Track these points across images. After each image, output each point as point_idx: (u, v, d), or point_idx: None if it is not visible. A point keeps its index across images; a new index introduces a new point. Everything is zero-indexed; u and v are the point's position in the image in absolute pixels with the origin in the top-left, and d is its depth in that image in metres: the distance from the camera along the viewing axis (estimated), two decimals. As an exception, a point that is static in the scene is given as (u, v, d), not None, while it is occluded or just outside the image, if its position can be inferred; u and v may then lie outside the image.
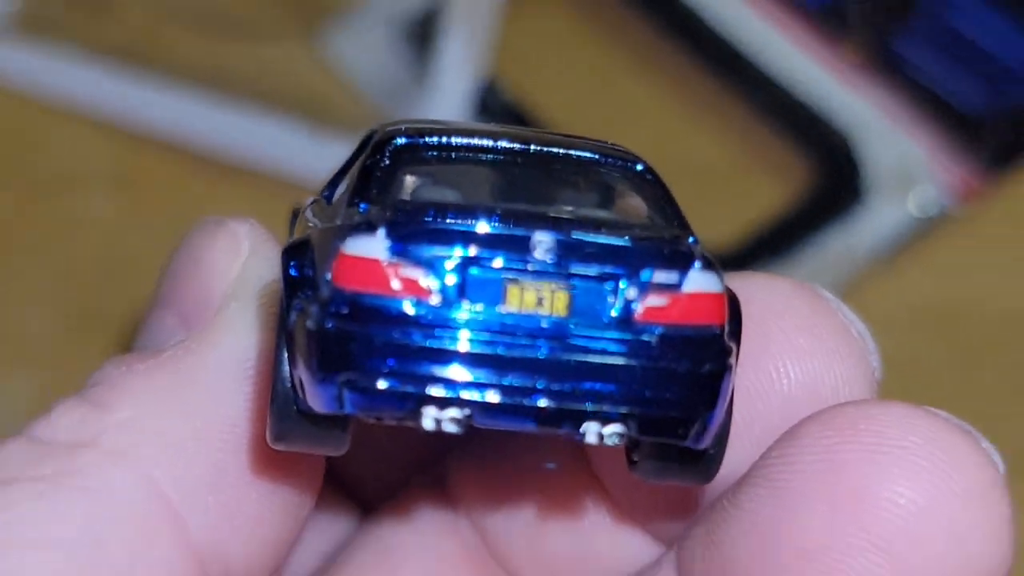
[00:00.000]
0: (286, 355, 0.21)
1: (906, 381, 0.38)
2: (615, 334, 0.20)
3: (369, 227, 0.19)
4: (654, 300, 0.20)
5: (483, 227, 0.20)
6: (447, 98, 0.44)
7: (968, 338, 0.45)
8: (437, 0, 0.46)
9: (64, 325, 0.44)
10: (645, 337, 0.20)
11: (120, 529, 0.21)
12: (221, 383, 0.23)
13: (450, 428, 0.19)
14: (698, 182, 0.45)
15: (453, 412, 0.19)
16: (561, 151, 0.22)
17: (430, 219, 0.20)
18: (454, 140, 0.22)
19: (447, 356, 0.19)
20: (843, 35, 0.49)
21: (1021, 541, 0.29)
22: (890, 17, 0.49)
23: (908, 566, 0.20)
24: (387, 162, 0.21)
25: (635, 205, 0.22)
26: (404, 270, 0.19)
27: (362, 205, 0.21)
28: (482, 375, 0.19)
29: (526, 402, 0.19)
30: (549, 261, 0.19)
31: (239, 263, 0.24)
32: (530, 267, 0.19)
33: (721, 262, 0.40)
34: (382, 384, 0.19)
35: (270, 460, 0.23)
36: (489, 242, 0.19)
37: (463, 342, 0.19)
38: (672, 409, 0.20)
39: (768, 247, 0.44)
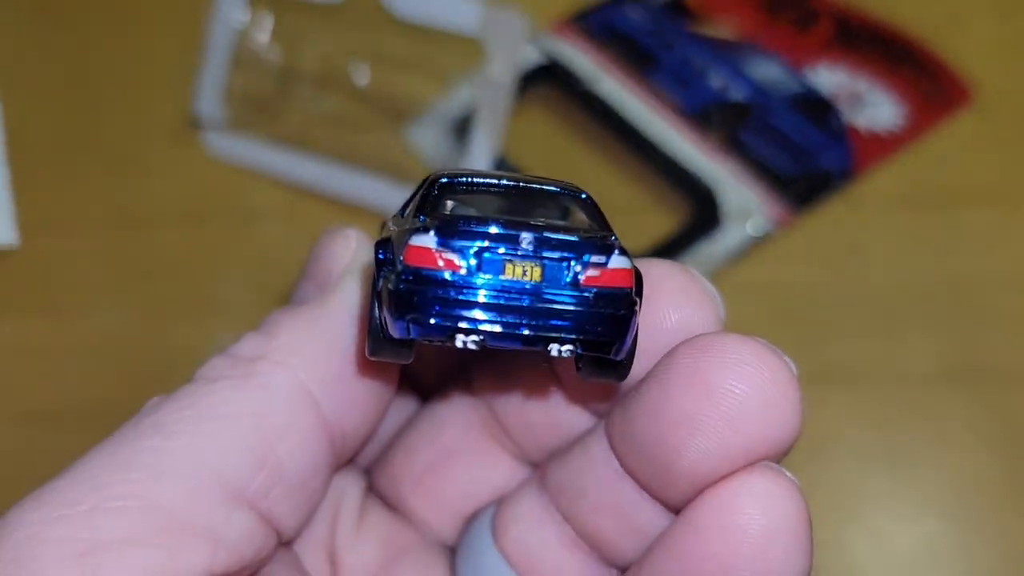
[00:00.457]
0: (377, 304, 0.26)
1: (742, 329, 0.57)
2: (569, 292, 0.25)
3: (425, 229, 0.25)
4: (592, 272, 0.25)
5: (492, 229, 0.25)
6: (476, 165, 0.53)
7: (777, 304, 0.53)
8: (471, 109, 0.56)
9: (254, 298, 0.53)
10: (586, 294, 0.25)
11: (281, 408, 0.27)
12: (341, 321, 0.28)
13: (472, 347, 0.25)
14: (620, 212, 0.49)
15: (474, 337, 0.25)
16: (537, 186, 0.28)
17: (460, 224, 0.25)
18: (475, 179, 0.27)
19: (470, 305, 0.25)
20: (709, 128, 0.58)
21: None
22: (737, 119, 0.58)
23: (739, 430, 0.25)
24: (436, 192, 0.27)
25: (581, 218, 0.28)
26: (445, 254, 0.25)
27: (421, 217, 0.26)
28: (490, 315, 0.25)
29: (516, 331, 0.25)
30: (530, 249, 0.25)
31: (350, 252, 0.30)
32: (519, 253, 0.25)
33: (630, 253, 0.50)
34: (432, 321, 0.25)
35: (369, 366, 0.28)
36: (495, 238, 0.25)
37: (479, 296, 0.25)
38: (603, 336, 0.25)
39: (665, 253, 0.53)
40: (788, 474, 0.25)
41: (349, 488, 0.32)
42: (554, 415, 0.30)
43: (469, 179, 0.27)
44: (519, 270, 0.25)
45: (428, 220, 0.26)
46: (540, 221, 0.26)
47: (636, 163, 0.57)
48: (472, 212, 0.27)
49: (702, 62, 0.61)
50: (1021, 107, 0.59)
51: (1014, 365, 0.51)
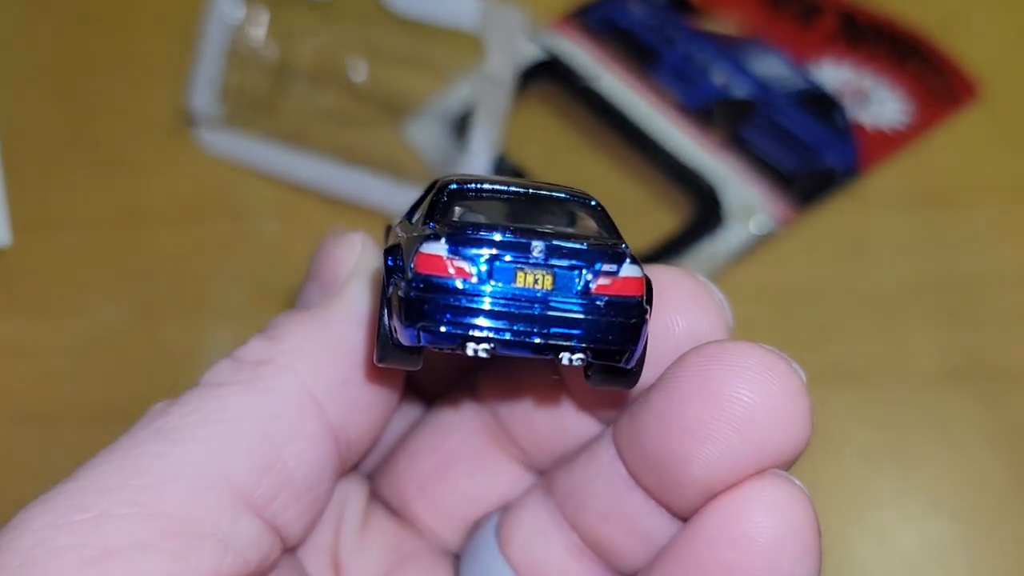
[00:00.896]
0: (386, 311, 0.26)
1: (746, 328, 0.57)
2: (579, 300, 0.25)
3: (436, 237, 0.25)
4: (602, 281, 0.25)
5: (502, 237, 0.25)
6: (476, 164, 0.52)
7: (781, 304, 0.52)
8: (470, 105, 0.55)
9: (249, 295, 0.52)
10: (597, 302, 0.25)
11: (287, 413, 0.27)
12: (346, 325, 0.29)
13: (482, 355, 0.25)
14: (622, 212, 0.48)
15: (484, 345, 0.25)
16: (545, 192, 0.28)
17: (471, 232, 0.25)
18: (484, 186, 0.27)
19: (481, 313, 0.25)
20: (711, 124, 0.57)
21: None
22: (739, 115, 0.58)
23: (748, 438, 0.25)
24: (445, 198, 0.27)
25: (590, 225, 0.28)
26: (456, 262, 0.25)
27: (431, 224, 0.26)
28: (501, 323, 0.25)
29: (526, 340, 0.25)
30: (541, 258, 0.25)
31: (356, 256, 0.30)
32: (530, 261, 0.25)
33: (639, 259, 0.53)
34: (443, 328, 0.25)
35: (375, 372, 0.29)
36: (505, 246, 0.25)
37: (490, 304, 0.25)
38: (614, 344, 0.25)
39: (667, 252, 0.52)
40: (797, 482, 0.25)
41: (353, 494, 0.32)
42: (560, 422, 0.30)
43: (478, 185, 0.27)
44: (530, 278, 0.25)
45: (439, 227, 0.26)
46: (551, 229, 0.26)
47: (637, 161, 0.57)
48: (481, 218, 0.27)
49: (704, 58, 0.61)
50: None
51: (1020, 364, 0.51)
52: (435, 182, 0.28)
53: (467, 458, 0.31)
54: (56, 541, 0.24)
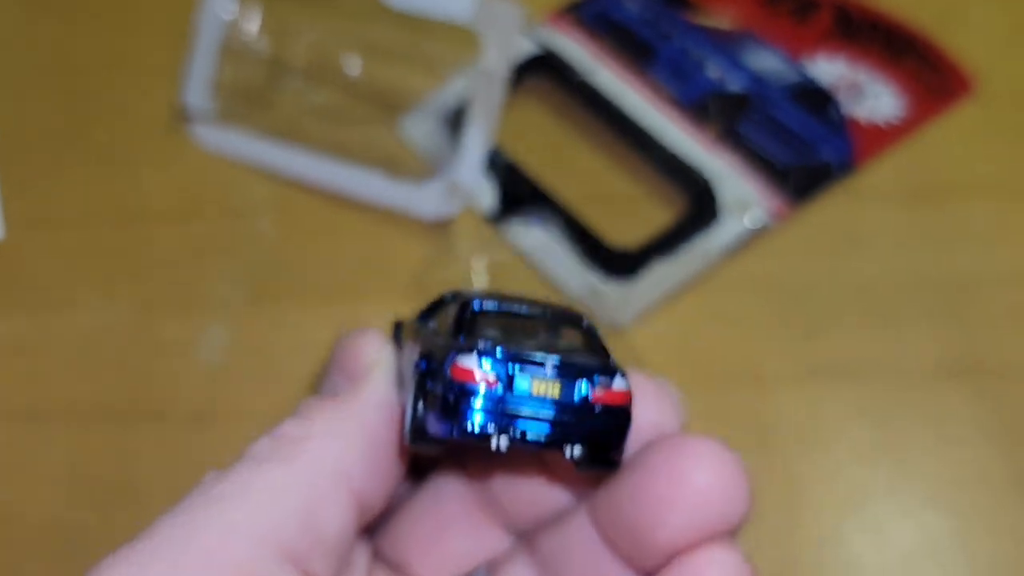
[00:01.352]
0: (418, 405, 0.31)
1: (741, 323, 0.52)
2: (581, 406, 0.31)
3: (469, 351, 0.30)
4: (599, 391, 0.31)
5: (522, 354, 0.30)
6: (470, 159, 0.53)
7: (775, 298, 0.53)
8: (465, 101, 0.55)
9: (244, 293, 0.53)
10: (595, 409, 0.31)
11: (323, 483, 0.31)
12: (371, 410, 0.33)
13: (503, 448, 0.30)
14: (615, 206, 0.55)
15: (504, 440, 0.30)
16: (551, 313, 0.33)
17: (498, 349, 0.30)
18: (502, 306, 0.33)
19: (503, 414, 0.30)
20: (706, 119, 0.58)
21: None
22: (734, 110, 0.58)
23: (703, 511, 0.31)
24: (469, 315, 0.32)
25: (586, 340, 0.33)
26: (485, 373, 0.30)
27: (461, 337, 0.31)
28: (518, 423, 0.30)
29: (539, 437, 0.30)
30: (552, 372, 0.30)
31: (375, 351, 0.35)
32: (543, 374, 0.30)
33: (631, 258, 0.51)
34: (471, 426, 0.30)
35: (390, 449, 0.33)
36: (524, 361, 0.30)
37: (511, 407, 0.30)
38: (606, 442, 0.31)
39: (661, 248, 0.53)
40: (739, 548, 0.32)
41: (360, 552, 0.36)
42: (542, 493, 0.35)
43: (497, 304, 0.33)
44: (543, 387, 0.31)
45: (468, 341, 0.31)
46: (559, 346, 0.32)
47: (632, 155, 0.57)
48: (500, 333, 0.32)
49: (700, 53, 0.61)
50: (1023, 98, 0.59)
51: (1015, 360, 0.51)
52: (453, 295, 0.34)
53: (459, 522, 0.36)
54: None
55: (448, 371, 0.30)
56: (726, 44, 0.62)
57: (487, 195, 0.55)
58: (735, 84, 0.60)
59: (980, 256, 0.55)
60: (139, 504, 0.47)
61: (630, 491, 0.32)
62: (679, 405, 0.34)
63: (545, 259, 0.53)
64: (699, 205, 0.55)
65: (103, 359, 0.50)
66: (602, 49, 0.61)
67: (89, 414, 0.50)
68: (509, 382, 0.30)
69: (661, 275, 0.52)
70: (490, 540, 0.36)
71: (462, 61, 0.56)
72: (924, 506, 0.48)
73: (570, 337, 0.33)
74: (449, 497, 0.36)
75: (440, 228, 0.54)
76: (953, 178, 0.57)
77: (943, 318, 0.53)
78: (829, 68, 0.61)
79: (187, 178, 0.55)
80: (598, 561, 0.33)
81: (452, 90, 0.57)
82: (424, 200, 0.53)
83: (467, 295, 0.33)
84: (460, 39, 0.54)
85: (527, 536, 0.35)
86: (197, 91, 0.55)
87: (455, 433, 0.30)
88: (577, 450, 0.31)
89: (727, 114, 0.59)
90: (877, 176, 0.57)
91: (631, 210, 0.55)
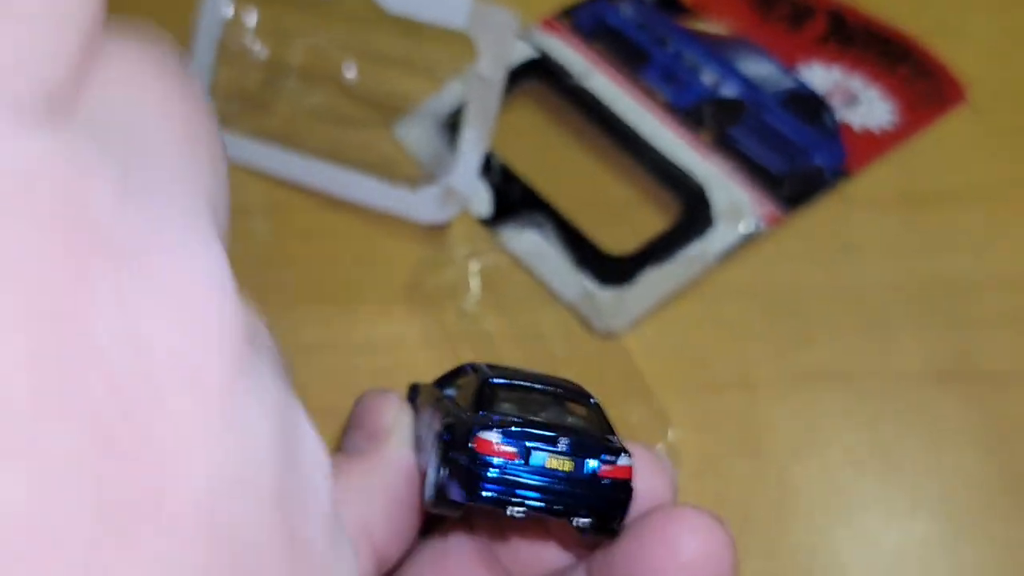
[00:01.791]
0: (441, 471, 0.33)
1: (734, 327, 0.53)
2: (589, 480, 0.33)
3: (491, 427, 0.32)
4: (605, 468, 0.33)
5: (538, 432, 0.33)
6: (466, 164, 0.54)
7: (768, 303, 0.53)
8: (461, 105, 0.56)
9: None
10: (602, 483, 0.33)
11: (350, 537, 0.36)
12: (391, 470, 0.36)
13: (518, 516, 0.32)
14: (609, 210, 0.56)
15: (520, 509, 0.32)
16: (562, 390, 0.35)
17: (517, 427, 0.32)
18: (516, 382, 0.35)
19: (520, 486, 0.32)
20: (700, 126, 0.58)
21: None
22: (728, 116, 0.59)
23: (692, 572, 0.33)
24: (488, 391, 0.34)
25: (592, 415, 0.35)
26: (504, 447, 0.32)
27: (481, 412, 0.33)
28: (533, 494, 0.32)
29: (551, 507, 0.32)
30: (565, 449, 0.33)
31: (394, 412, 0.37)
32: (557, 449, 0.33)
33: (625, 263, 0.52)
34: (491, 494, 0.32)
35: (407, 507, 0.36)
36: (540, 439, 0.32)
37: (527, 480, 0.32)
38: (611, 514, 0.33)
39: (655, 254, 0.54)
40: None
41: None
42: (541, 553, 0.37)
43: (511, 380, 0.35)
44: (556, 462, 0.33)
45: (487, 417, 0.33)
46: (569, 421, 0.34)
47: (627, 160, 0.57)
48: (516, 408, 0.34)
49: (694, 58, 0.61)
50: (1015, 106, 0.60)
51: (1006, 365, 0.52)
52: (469, 367, 0.37)
53: (461, 575, 0.38)
54: None
55: (471, 444, 0.32)
56: (720, 50, 0.62)
57: (482, 199, 0.55)
58: (729, 90, 0.60)
59: (971, 262, 0.55)
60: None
61: (627, 556, 0.34)
62: (673, 475, 0.36)
63: (539, 264, 0.54)
64: (693, 211, 0.55)
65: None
66: (597, 54, 0.61)
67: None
68: (526, 456, 0.32)
69: (655, 281, 0.53)
70: None
71: (458, 66, 0.57)
72: (914, 511, 0.49)
73: (577, 411, 0.35)
74: (454, 552, 0.38)
75: (436, 231, 0.54)
76: (945, 185, 0.58)
77: (934, 323, 0.54)
78: (823, 75, 0.61)
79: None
80: None
81: (448, 94, 0.58)
82: (420, 205, 0.54)
83: (485, 371, 0.35)
84: (456, 44, 0.54)
85: None
86: (194, 93, 0.54)
87: (475, 500, 0.32)
88: (584, 520, 0.33)
89: (721, 120, 0.59)
90: (870, 183, 0.58)
91: (625, 215, 0.56)
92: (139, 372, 0.18)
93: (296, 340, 0.52)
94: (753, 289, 0.53)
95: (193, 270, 0.20)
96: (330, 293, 0.53)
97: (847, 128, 0.59)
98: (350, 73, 0.59)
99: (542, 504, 0.33)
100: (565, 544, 0.37)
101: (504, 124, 0.55)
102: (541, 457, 0.33)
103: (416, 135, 0.57)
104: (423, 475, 0.35)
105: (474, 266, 0.53)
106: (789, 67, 0.61)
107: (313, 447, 0.24)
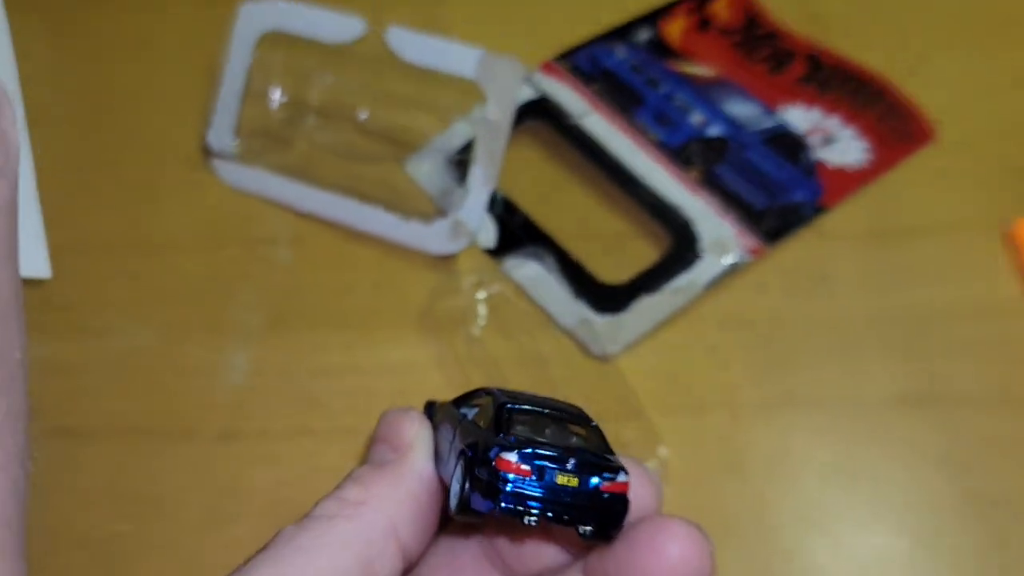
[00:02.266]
0: (465, 483, 0.35)
1: (717, 354, 0.54)
2: (593, 494, 0.35)
3: (510, 448, 0.35)
4: (606, 484, 0.35)
5: (550, 453, 0.35)
6: (474, 201, 0.55)
7: (749, 332, 0.55)
8: (468, 143, 0.58)
9: (264, 319, 0.55)
10: (604, 496, 0.35)
11: (379, 538, 0.37)
12: (416, 478, 0.38)
13: (532, 524, 0.35)
14: (604, 242, 0.57)
15: (534, 518, 0.34)
16: (566, 414, 0.37)
17: (533, 448, 0.35)
18: (528, 407, 0.37)
19: (534, 499, 0.34)
20: (689, 164, 0.61)
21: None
22: (714, 155, 0.61)
23: (676, 574, 0.35)
24: (506, 415, 0.36)
25: (593, 436, 0.37)
26: (522, 465, 0.34)
27: (500, 434, 0.35)
28: (545, 506, 0.34)
29: (561, 517, 0.35)
30: (572, 467, 0.35)
31: (416, 427, 0.39)
32: (566, 468, 0.35)
33: (619, 292, 0.54)
34: (509, 506, 0.34)
35: (428, 510, 0.38)
36: (551, 459, 0.35)
37: (540, 494, 0.35)
38: (610, 522, 0.35)
39: (646, 283, 0.55)
40: None
41: None
42: (541, 551, 0.40)
43: (523, 405, 0.37)
44: (565, 479, 0.35)
45: (506, 439, 0.35)
46: (575, 444, 0.37)
47: (620, 195, 0.59)
48: (529, 430, 0.37)
49: (683, 100, 0.64)
50: (980, 145, 0.62)
51: (966, 390, 0.54)
52: (483, 392, 0.39)
53: (470, 571, 0.41)
54: None
55: (493, 463, 0.35)
56: (707, 91, 0.65)
57: (488, 231, 0.57)
58: (715, 129, 0.63)
59: (938, 292, 0.58)
60: (171, 517, 0.49)
61: (619, 558, 0.36)
62: (659, 488, 0.39)
63: (541, 292, 0.55)
64: (682, 244, 0.57)
65: (137, 381, 0.53)
66: (593, 95, 0.64)
67: (124, 432, 0.52)
68: (540, 473, 0.35)
69: (647, 309, 0.54)
70: None
71: (466, 109, 0.59)
72: (879, 524, 0.50)
73: (579, 432, 0.37)
74: (463, 551, 0.41)
75: (446, 262, 0.56)
76: (914, 220, 0.60)
77: (903, 351, 0.56)
78: (802, 115, 0.64)
79: (211, 211, 0.58)
80: None
81: (456, 133, 0.60)
82: (431, 238, 0.56)
83: (499, 396, 0.38)
84: (465, 90, 0.57)
85: None
86: (221, 133, 0.57)
87: (496, 511, 0.35)
88: (588, 528, 0.36)
89: (707, 158, 0.62)
90: (844, 217, 0.60)
91: (619, 246, 0.57)
92: None
93: (319, 360, 0.53)
94: (737, 317, 0.55)
95: None
96: (349, 317, 0.55)
97: (823, 166, 0.62)
98: (364, 113, 0.61)
99: (552, 515, 0.35)
100: (563, 545, 0.40)
101: (506, 161, 0.56)
102: (552, 475, 0.35)
103: (426, 170, 0.59)
104: (443, 483, 0.38)
105: (481, 294, 0.55)
106: (770, 108, 0.64)
107: None
